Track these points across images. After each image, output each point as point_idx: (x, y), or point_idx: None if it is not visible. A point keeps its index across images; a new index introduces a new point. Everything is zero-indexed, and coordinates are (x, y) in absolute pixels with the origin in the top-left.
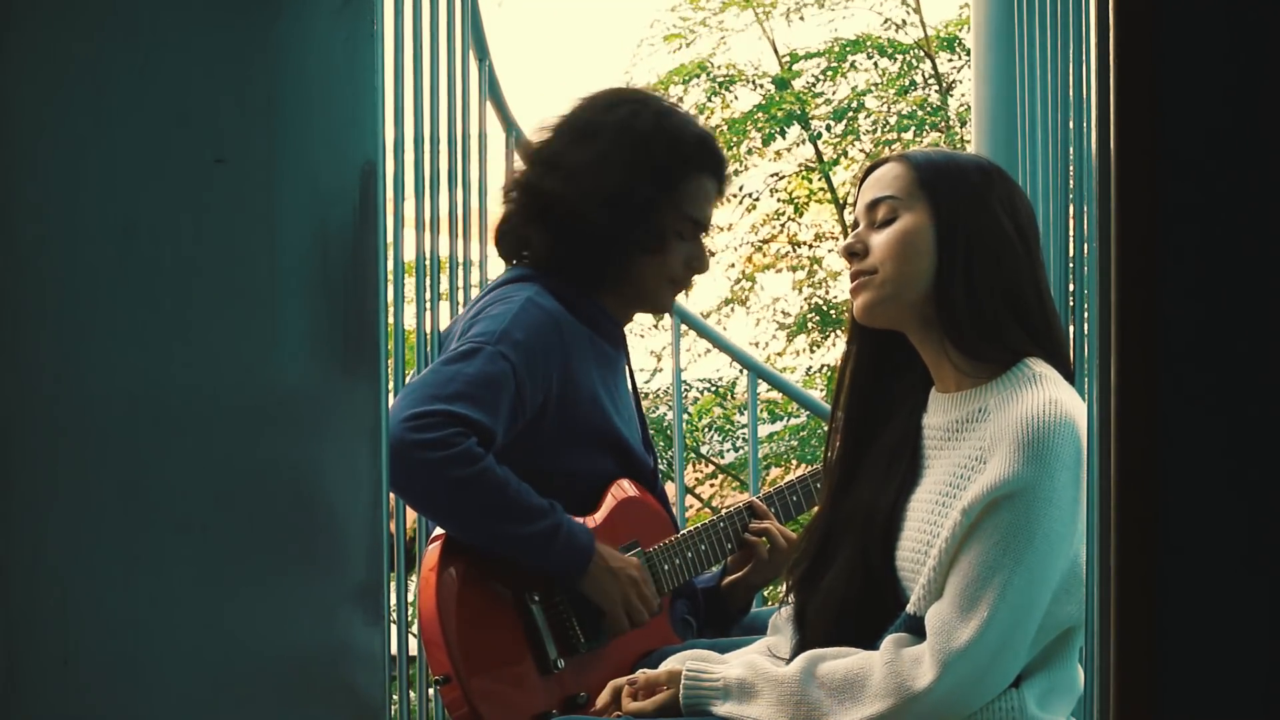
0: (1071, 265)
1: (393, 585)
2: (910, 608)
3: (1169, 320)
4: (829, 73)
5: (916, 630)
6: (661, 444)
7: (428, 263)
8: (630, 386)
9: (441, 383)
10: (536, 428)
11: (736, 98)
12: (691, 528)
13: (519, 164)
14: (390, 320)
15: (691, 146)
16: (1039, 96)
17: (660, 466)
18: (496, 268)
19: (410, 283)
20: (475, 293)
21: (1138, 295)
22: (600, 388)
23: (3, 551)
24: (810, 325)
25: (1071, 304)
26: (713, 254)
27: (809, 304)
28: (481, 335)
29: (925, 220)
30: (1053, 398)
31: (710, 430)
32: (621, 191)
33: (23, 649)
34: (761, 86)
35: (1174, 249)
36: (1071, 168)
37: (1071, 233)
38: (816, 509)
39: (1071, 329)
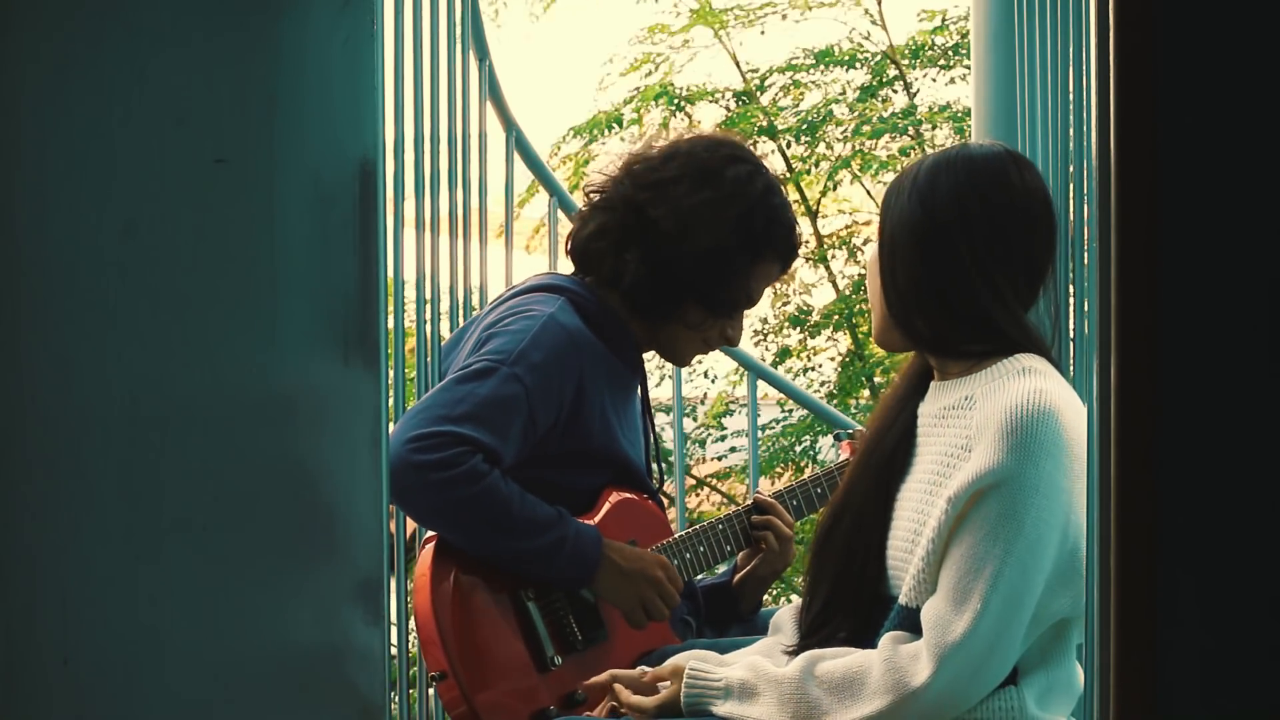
0: (1072, 264)
1: (393, 584)
2: (902, 599)
3: (1169, 320)
4: (794, 85)
5: (912, 624)
6: (665, 433)
7: (428, 263)
8: (643, 410)
9: (451, 403)
10: (542, 447)
11: (700, 120)
12: (691, 528)
13: (611, 178)
14: (390, 320)
15: (783, 230)
16: (1039, 96)
17: (661, 468)
18: (497, 268)
19: (410, 282)
20: (475, 294)
21: (1138, 295)
22: (611, 410)
23: (3, 551)
24: (786, 332)
25: (1072, 304)
26: None
27: (783, 314)
28: (498, 354)
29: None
30: (1038, 388)
31: (705, 434)
32: (720, 245)
33: (23, 649)
34: (723, 100)
35: (1174, 249)
36: (1072, 167)
37: (1071, 232)
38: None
39: (1072, 330)
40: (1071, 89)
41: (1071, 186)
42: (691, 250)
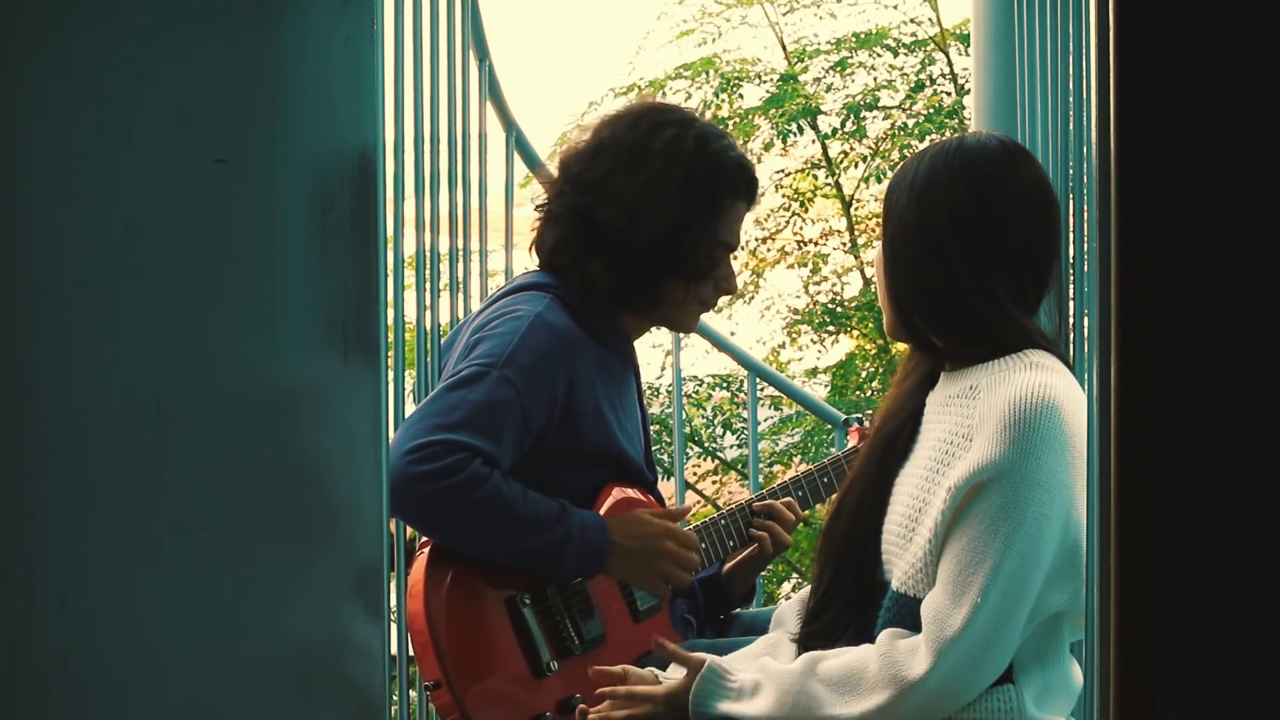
0: (1072, 265)
1: (393, 583)
2: (895, 584)
3: (1169, 319)
4: (839, 67)
5: (909, 615)
6: (665, 439)
7: (428, 262)
8: (638, 401)
9: (445, 411)
10: (538, 448)
11: (742, 96)
12: (692, 526)
13: (553, 181)
14: (390, 319)
15: (731, 173)
16: (1039, 96)
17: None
18: (497, 266)
19: (410, 281)
20: (476, 293)
21: (1138, 295)
22: (605, 404)
23: (3, 551)
24: (816, 322)
25: (1072, 303)
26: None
27: (815, 301)
28: (487, 358)
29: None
30: (1041, 382)
31: (714, 424)
32: (674, 222)
33: (23, 649)
34: (768, 83)
35: (1174, 248)
36: (1071, 167)
37: (1072, 233)
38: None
39: (1072, 330)
40: (1071, 88)
41: (1071, 185)
42: (648, 238)
